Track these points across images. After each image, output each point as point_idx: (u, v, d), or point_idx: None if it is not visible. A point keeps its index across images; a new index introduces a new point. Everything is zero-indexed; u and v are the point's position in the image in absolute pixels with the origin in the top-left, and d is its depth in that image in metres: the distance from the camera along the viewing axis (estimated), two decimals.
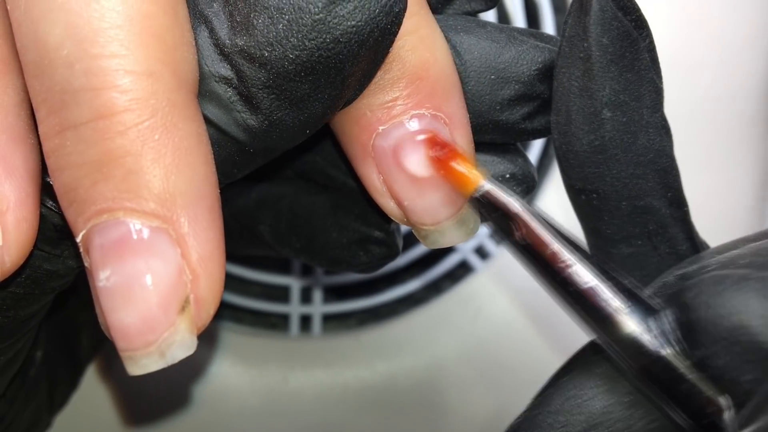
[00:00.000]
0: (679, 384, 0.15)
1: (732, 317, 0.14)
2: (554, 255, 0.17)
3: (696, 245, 0.20)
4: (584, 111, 0.19)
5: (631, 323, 0.16)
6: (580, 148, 0.19)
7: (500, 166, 0.21)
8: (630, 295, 0.16)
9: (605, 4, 0.18)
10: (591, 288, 0.17)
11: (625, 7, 0.18)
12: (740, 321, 0.14)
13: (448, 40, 0.20)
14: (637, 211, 0.19)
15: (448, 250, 0.38)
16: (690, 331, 0.15)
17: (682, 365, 0.15)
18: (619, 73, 0.18)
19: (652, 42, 0.19)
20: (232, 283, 0.39)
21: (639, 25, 0.19)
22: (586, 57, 0.18)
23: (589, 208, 0.20)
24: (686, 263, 0.18)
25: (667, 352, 0.16)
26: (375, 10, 0.16)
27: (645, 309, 0.16)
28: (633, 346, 0.16)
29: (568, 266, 0.17)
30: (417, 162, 0.19)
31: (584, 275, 0.17)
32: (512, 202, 0.18)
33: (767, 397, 0.14)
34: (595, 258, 0.17)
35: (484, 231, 0.38)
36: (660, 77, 0.19)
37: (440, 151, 0.18)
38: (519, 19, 0.36)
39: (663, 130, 0.19)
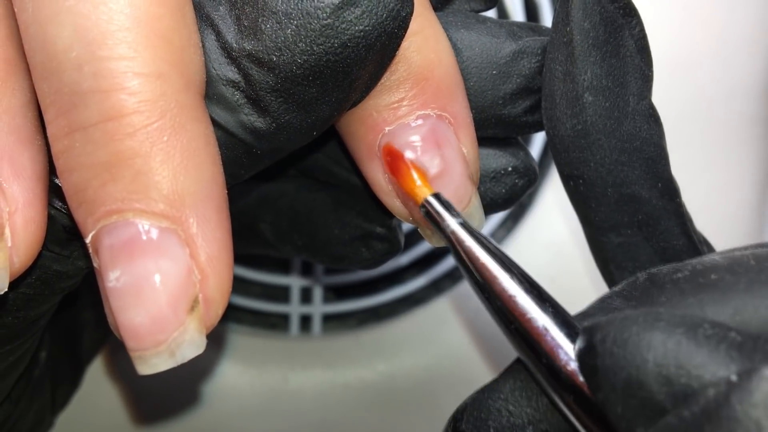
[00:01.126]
0: (590, 417, 0.15)
1: (631, 372, 0.14)
2: (485, 274, 0.17)
3: (693, 241, 0.20)
4: (567, 95, 0.19)
5: (549, 346, 0.16)
6: (565, 133, 0.19)
7: (502, 160, 0.22)
8: (558, 318, 0.16)
9: None
10: (518, 308, 0.16)
11: None
12: (638, 377, 0.14)
13: (449, 37, 0.20)
14: (624, 199, 0.19)
15: (448, 250, 0.38)
16: (592, 374, 0.15)
17: (591, 398, 0.15)
18: (601, 58, 0.18)
19: (642, 30, 0.19)
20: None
21: (627, 12, 0.19)
22: (568, 41, 0.18)
23: (577, 195, 0.20)
24: (642, 273, 0.17)
25: (578, 381, 0.15)
26: (382, 15, 0.16)
27: (568, 333, 0.16)
28: (550, 371, 0.16)
29: (499, 286, 0.17)
30: (423, 162, 0.19)
31: (509, 292, 0.17)
32: (449, 220, 0.18)
33: None
34: (528, 277, 0.17)
35: (485, 230, 0.38)
36: (649, 66, 0.19)
37: (396, 159, 0.19)
38: (519, 19, 0.36)
39: (651, 118, 0.19)
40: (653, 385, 0.14)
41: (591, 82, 0.18)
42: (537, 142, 0.37)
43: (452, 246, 0.18)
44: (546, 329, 0.16)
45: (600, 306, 0.17)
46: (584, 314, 0.17)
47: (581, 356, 0.15)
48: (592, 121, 0.18)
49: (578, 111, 0.19)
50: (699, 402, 0.13)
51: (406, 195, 0.19)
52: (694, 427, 0.13)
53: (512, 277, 0.17)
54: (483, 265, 0.17)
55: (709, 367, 0.13)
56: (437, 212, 0.18)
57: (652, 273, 0.17)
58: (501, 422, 0.17)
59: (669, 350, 0.14)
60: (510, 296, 0.17)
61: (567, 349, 0.16)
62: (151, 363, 0.15)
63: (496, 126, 0.21)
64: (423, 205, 0.18)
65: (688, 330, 0.14)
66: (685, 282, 0.16)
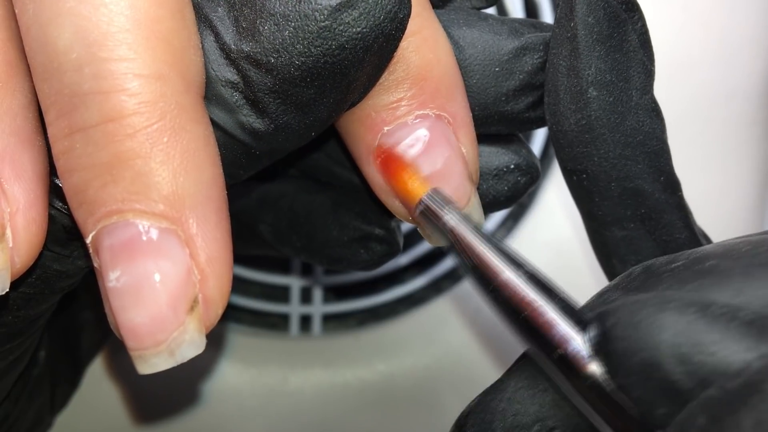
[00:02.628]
0: (604, 405, 0.15)
1: (646, 354, 0.14)
2: (487, 269, 0.17)
3: (695, 234, 0.20)
4: (571, 90, 0.19)
5: (559, 337, 0.16)
6: (568, 127, 0.19)
7: (504, 158, 0.22)
8: (564, 309, 0.16)
9: None
10: (522, 300, 0.16)
11: None
12: (653, 358, 0.14)
13: (451, 34, 0.20)
14: (627, 193, 0.19)
15: (448, 250, 0.38)
16: (608, 359, 0.15)
17: (607, 386, 0.15)
18: (605, 53, 0.18)
19: (644, 25, 0.19)
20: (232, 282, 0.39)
21: (629, 7, 0.19)
22: (572, 36, 0.19)
23: (580, 190, 0.20)
24: (637, 266, 0.17)
25: (592, 369, 0.15)
26: (380, 17, 0.16)
27: (576, 323, 0.16)
28: (562, 362, 0.16)
29: (502, 280, 0.17)
30: (421, 161, 0.19)
31: (514, 285, 0.17)
32: (447, 216, 0.18)
33: (679, 429, 0.14)
34: (531, 269, 0.17)
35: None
36: (651, 60, 0.19)
37: (389, 160, 0.19)
38: (518, 16, 0.36)
39: (653, 112, 0.19)
40: (669, 365, 0.14)
41: (595, 76, 0.19)
42: (538, 140, 0.37)
43: (452, 242, 0.18)
44: (555, 320, 0.16)
45: (599, 301, 0.17)
46: (585, 308, 0.17)
47: (595, 343, 0.15)
48: (597, 115, 0.19)
49: (582, 106, 0.19)
50: (742, 374, 0.13)
51: (402, 197, 0.19)
52: (737, 399, 0.13)
53: (516, 269, 0.17)
54: (485, 258, 0.17)
55: (724, 344, 0.14)
56: (433, 211, 0.18)
57: (647, 265, 0.17)
58: (507, 422, 0.17)
59: (683, 330, 0.14)
60: (515, 288, 0.16)
61: (578, 338, 0.16)
62: (151, 362, 0.16)
63: (498, 123, 0.21)
64: (419, 205, 0.18)
65: (699, 310, 0.14)
66: (683, 270, 0.16)
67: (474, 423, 0.18)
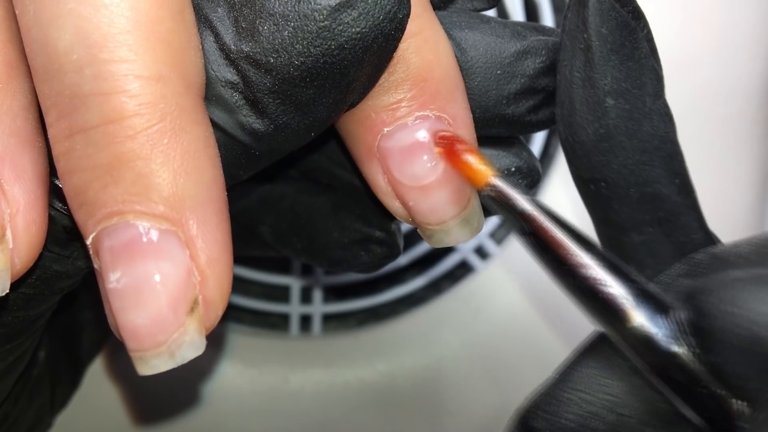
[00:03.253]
0: (692, 385, 0.15)
1: (747, 327, 0.14)
2: (564, 250, 0.17)
3: (709, 233, 0.20)
4: (588, 101, 0.19)
5: (641, 318, 0.16)
6: (586, 138, 0.19)
7: (505, 160, 0.22)
8: (641, 291, 0.16)
9: None
10: (601, 283, 0.17)
11: None
12: (756, 332, 0.14)
13: (453, 37, 0.20)
14: (645, 198, 0.19)
15: (448, 250, 0.38)
16: (702, 336, 0.15)
17: (694, 366, 0.15)
18: (620, 62, 0.19)
19: (649, 32, 0.19)
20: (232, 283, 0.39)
21: (636, 15, 0.19)
22: (587, 47, 0.19)
23: (598, 198, 0.20)
24: (699, 253, 0.18)
25: (678, 350, 0.16)
26: (379, 17, 0.16)
27: (656, 305, 0.16)
28: (643, 342, 0.16)
29: (578, 261, 0.17)
30: (422, 162, 0.19)
31: (594, 270, 0.17)
32: (520, 199, 0.18)
33: None
34: (606, 253, 0.17)
35: (484, 231, 0.38)
36: (659, 65, 0.20)
37: (451, 145, 0.19)
38: (518, 19, 0.36)
39: (666, 116, 0.19)
40: None
41: (612, 86, 0.19)
42: (538, 140, 0.37)
43: (529, 226, 0.18)
44: (637, 300, 0.16)
45: (666, 288, 0.18)
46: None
47: (691, 321, 0.16)
48: (615, 123, 0.19)
49: (600, 115, 0.19)
50: None
51: (466, 181, 0.19)
52: None
53: (594, 255, 0.17)
54: (561, 241, 0.17)
55: None
56: (506, 194, 0.18)
57: (711, 251, 0.18)
58: (576, 412, 0.17)
59: None
60: (596, 273, 0.17)
61: (663, 320, 0.16)
62: (151, 364, 0.16)
63: (499, 125, 0.21)
64: (488, 189, 0.18)
65: None
66: (751, 254, 0.16)
67: (543, 415, 0.18)
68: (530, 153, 0.22)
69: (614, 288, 0.17)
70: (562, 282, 0.17)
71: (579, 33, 0.19)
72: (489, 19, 0.21)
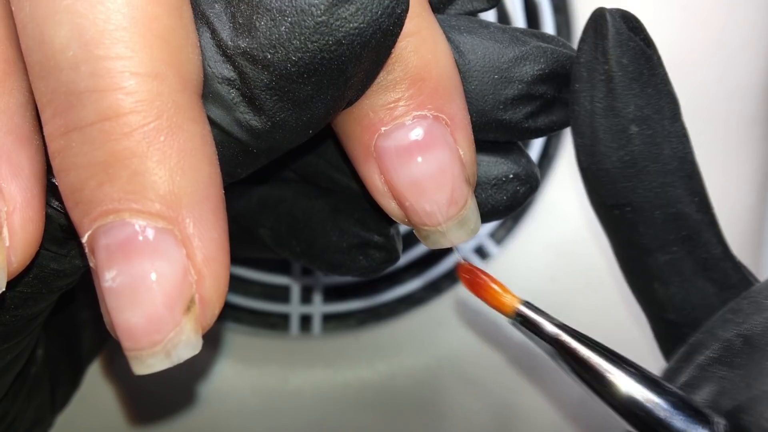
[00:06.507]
0: None
1: None
2: (596, 367, 0.18)
3: (727, 248, 0.21)
4: (611, 129, 0.20)
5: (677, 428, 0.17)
6: (611, 165, 0.20)
7: (503, 167, 0.22)
8: (678, 401, 0.17)
9: (620, 27, 0.19)
10: (634, 396, 0.17)
11: (635, 28, 0.19)
12: None
13: (452, 40, 0.20)
14: (669, 219, 0.20)
15: (447, 251, 0.38)
16: None
17: None
18: (640, 90, 0.19)
19: (660, 56, 0.20)
20: (232, 282, 0.38)
21: (647, 42, 0.20)
22: (608, 78, 0.19)
23: (623, 222, 0.20)
24: (742, 300, 0.19)
25: None
26: (377, 12, 0.16)
27: (694, 416, 0.17)
28: None
29: (608, 376, 0.18)
30: (418, 162, 0.19)
31: (632, 386, 0.18)
32: (548, 324, 0.19)
33: None
34: (638, 367, 0.18)
35: (484, 231, 0.38)
36: (672, 87, 0.20)
37: (476, 277, 0.20)
38: (519, 20, 0.36)
39: (684, 138, 0.20)
40: None
41: (635, 113, 0.19)
42: (537, 142, 0.37)
43: (558, 350, 0.19)
44: (672, 417, 0.17)
45: (702, 375, 0.18)
46: (688, 385, 0.18)
47: None
48: (639, 150, 0.19)
49: (625, 143, 0.20)
50: None
51: (497, 309, 0.20)
52: None
53: (625, 370, 0.18)
54: (592, 360, 0.18)
55: None
56: (534, 320, 0.19)
57: (745, 336, 0.18)
58: None
59: None
60: (629, 391, 0.18)
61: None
62: (147, 363, 0.15)
63: (496, 130, 0.21)
64: (515, 316, 0.20)
65: None
66: None
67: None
68: (529, 159, 0.22)
69: (655, 403, 0.17)
70: (600, 396, 0.18)
71: (599, 64, 0.19)
72: (488, 24, 0.21)
